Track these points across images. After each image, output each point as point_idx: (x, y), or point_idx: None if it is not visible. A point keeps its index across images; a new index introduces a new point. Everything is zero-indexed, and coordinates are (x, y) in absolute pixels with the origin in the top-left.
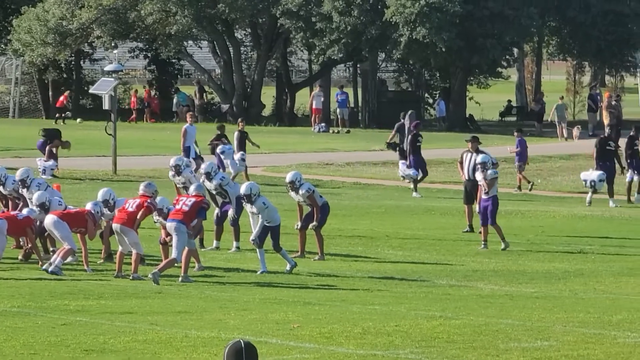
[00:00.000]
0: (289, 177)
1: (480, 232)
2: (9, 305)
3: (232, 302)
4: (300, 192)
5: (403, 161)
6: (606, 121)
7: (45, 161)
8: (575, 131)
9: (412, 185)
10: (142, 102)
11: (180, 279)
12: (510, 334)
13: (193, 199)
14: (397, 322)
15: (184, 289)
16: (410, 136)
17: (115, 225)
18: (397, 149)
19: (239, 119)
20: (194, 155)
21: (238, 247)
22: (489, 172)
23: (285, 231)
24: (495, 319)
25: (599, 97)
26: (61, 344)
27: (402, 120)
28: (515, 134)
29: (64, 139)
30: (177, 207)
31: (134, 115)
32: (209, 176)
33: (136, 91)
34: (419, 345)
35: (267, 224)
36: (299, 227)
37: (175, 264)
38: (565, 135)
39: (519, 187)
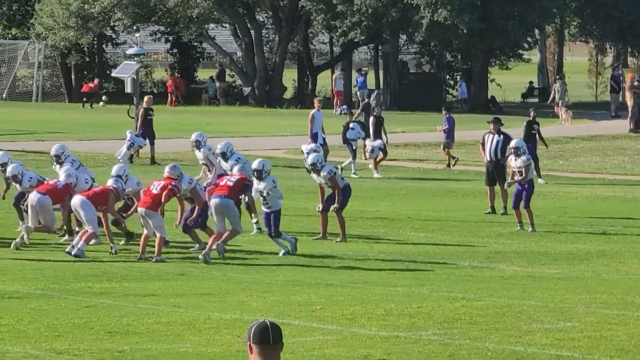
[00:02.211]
0: (310, 159)
1: (502, 213)
2: (33, 288)
3: (255, 284)
4: (322, 174)
5: None
6: (629, 102)
7: (137, 135)
8: (565, 114)
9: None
10: (174, 86)
11: (202, 254)
12: (533, 315)
13: (237, 176)
14: (419, 303)
15: (206, 272)
16: (525, 123)
17: (141, 209)
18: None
19: (374, 104)
20: (322, 141)
21: (259, 229)
22: (523, 157)
23: (307, 213)
24: (517, 301)
25: (621, 78)
26: (85, 326)
27: (367, 100)
28: (444, 111)
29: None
30: (222, 183)
31: (172, 99)
32: (224, 156)
33: (172, 74)
34: (442, 327)
35: (267, 210)
36: (320, 209)
37: (211, 248)
38: (563, 116)
39: (449, 164)
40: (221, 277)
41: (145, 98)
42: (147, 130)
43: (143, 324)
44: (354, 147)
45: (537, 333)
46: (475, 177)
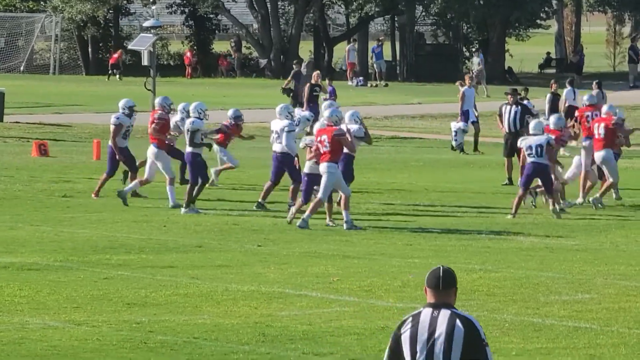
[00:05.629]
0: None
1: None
2: (51, 260)
3: (272, 256)
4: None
5: None
6: None
7: (303, 111)
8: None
9: None
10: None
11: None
12: (550, 287)
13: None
14: None
15: (224, 244)
16: None
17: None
18: (291, 95)
19: (552, 80)
20: (473, 119)
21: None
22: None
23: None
24: (535, 272)
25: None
26: (103, 298)
27: (299, 68)
28: (327, 81)
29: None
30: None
31: (189, 71)
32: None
33: (190, 48)
34: (459, 299)
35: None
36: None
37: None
38: (485, 92)
39: None
40: (238, 249)
41: (314, 74)
42: (314, 107)
43: (161, 295)
44: None
45: (555, 305)
46: (493, 148)
